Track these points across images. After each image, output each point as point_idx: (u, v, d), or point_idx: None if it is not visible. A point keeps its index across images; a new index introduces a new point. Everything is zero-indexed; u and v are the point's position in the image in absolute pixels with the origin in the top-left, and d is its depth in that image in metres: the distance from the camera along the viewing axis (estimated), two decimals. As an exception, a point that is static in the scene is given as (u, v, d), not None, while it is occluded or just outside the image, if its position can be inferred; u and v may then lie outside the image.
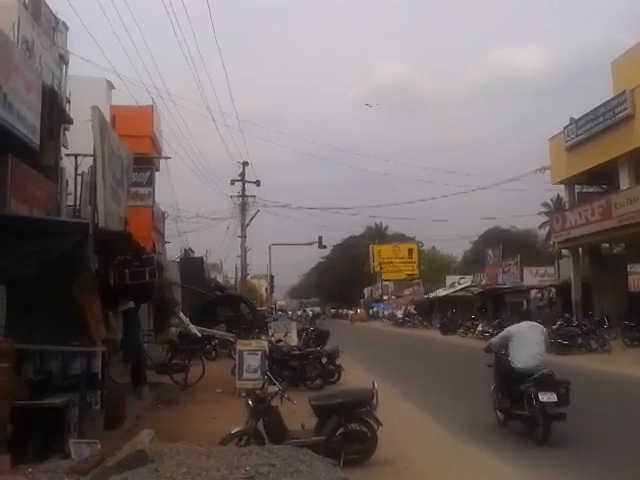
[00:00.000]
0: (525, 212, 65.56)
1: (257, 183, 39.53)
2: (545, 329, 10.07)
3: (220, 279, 47.72)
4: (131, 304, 11.22)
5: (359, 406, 7.60)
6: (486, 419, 10.35)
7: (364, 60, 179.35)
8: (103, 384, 8.63)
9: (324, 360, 14.49)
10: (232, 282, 54.28)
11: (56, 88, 12.02)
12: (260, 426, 7.23)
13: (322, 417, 7.53)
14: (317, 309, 78.09)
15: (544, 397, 8.29)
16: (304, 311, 72.34)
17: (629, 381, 14.45)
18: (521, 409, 8.78)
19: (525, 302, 34.47)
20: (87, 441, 6.68)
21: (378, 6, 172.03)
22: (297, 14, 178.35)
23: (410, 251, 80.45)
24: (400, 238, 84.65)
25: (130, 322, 11.56)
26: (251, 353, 13.00)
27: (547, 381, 8.53)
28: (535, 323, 10.09)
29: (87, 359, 7.95)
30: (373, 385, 7.63)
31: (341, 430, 7.41)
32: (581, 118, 27.97)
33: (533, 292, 35.79)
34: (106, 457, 5.31)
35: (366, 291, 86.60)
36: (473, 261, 64.48)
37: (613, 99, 25.77)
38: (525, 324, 9.82)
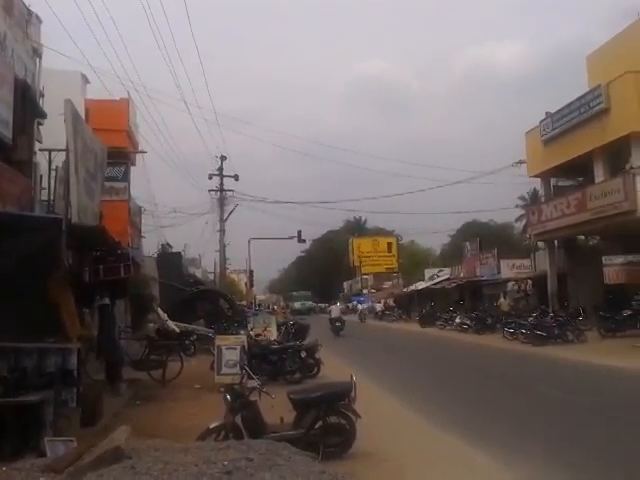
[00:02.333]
0: (503, 205, 66.16)
1: (235, 177, 39.30)
2: (341, 306, 46.51)
3: (199, 274, 47.48)
4: (106, 300, 11.08)
5: (338, 399, 7.62)
6: (463, 408, 10.51)
7: (346, 57, 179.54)
8: (79, 381, 8.51)
9: (303, 354, 14.52)
10: (211, 277, 54.01)
11: (29, 82, 11.81)
12: (238, 421, 7.21)
13: (301, 411, 7.53)
14: (309, 303, 76.29)
15: (336, 324, 32.74)
16: (287, 306, 71.96)
17: (604, 371, 14.66)
18: (331, 329, 32.07)
19: (502, 294, 34.79)
20: (63, 439, 6.58)
21: (361, 3, 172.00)
22: (282, 10, 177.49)
23: (389, 245, 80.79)
24: (379, 232, 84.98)
25: (105, 318, 11.42)
26: (230, 348, 12.94)
27: (338, 319, 33.32)
28: (337, 304, 44.25)
29: (62, 356, 7.84)
30: (351, 378, 7.66)
31: (320, 423, 7.42)
32: (557, 112, 28.19)
33: (510, 284, 36.11)
34: (82, 455, 5.24)
35: (346, 285, 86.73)
36: (451, 254, 64.88)
37: (588, 93, 25.99)
38: (334, 305, 40.43)
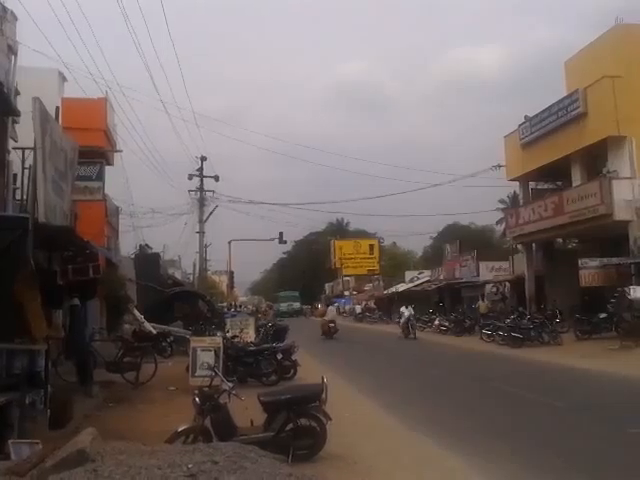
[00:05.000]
0: (484, 208, 67.18)
1: (216, 178, 39.05)
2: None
3: (178, 275, 47.17)
4: (75, 301, 10.93)
5: (308, 401, 7.57)
6: (435, 409, 10.54)
7: (327, 59, 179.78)
8: (47, 383, 8.38)
9: (279, 356, 14.43)
10: (191, 278, 53.70)
11: (2, 79, 11.61)
12: (208, 423, 7.14)
13: (271, 413, 7.48)
14: (297, 305, 72.66)
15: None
16: (270, 307, 71.47)
17: (579, 373, 14.75)
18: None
19: (480, 296, 34.97)
20: (28, 441, 6.49)
21: (341, 5, 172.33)
22: (261, 11, 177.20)
23: (371, 247, 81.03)
24: (361, 234, 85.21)
25: (75, 319, 11.27)
26: (205, 350, 12.85)
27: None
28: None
29: (29, 357, 7.72)
30: (323, 380, 7.62)
31: (290, 425, 7.37)
32: (535, 116, 28.45)
33: (488, 286, 36.36)
34: (46, 457, 5.17)
35: (327, 286, 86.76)
36: (432, 256, 65.19)
37: (566, 97, 26.27)
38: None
